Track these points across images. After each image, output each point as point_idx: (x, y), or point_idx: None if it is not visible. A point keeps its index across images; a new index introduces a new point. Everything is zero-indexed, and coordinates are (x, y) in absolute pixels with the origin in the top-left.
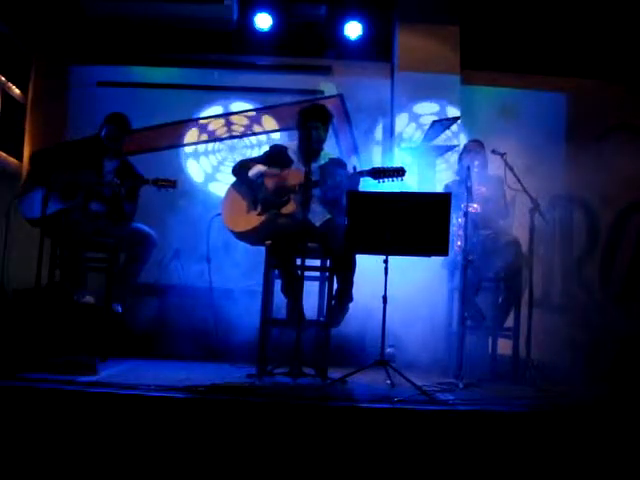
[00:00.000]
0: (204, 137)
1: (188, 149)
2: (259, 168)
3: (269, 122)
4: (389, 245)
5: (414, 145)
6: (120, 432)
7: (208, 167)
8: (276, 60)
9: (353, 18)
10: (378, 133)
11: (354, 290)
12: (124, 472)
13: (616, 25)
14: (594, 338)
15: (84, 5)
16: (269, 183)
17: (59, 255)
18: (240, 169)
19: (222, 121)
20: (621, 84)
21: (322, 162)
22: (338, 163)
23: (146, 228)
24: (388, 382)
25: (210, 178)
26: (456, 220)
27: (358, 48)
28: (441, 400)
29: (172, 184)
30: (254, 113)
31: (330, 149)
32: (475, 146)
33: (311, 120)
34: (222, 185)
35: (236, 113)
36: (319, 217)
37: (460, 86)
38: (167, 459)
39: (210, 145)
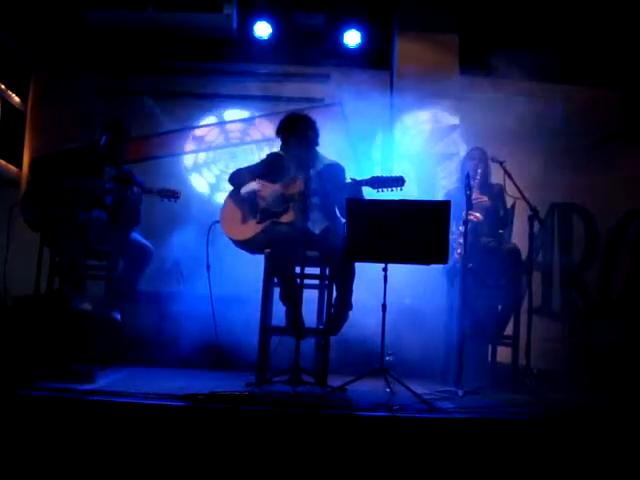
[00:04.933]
0: (204, 145)
1: (188, 163)
2: (252, 186)
3: (269, 130)
4: (388, 253)
5: (414, 152)
6: (118, 441)
7: (212, 178)
8: (275, 68)
9: (352, 26)
10: (377, 141)
11: (353, 298)
12: None
13: (614, 32)
14: (594, 346)
15: (84, 14)
16: (266, 193)
17: (58, 262)
18: (236, 181)
19: (221, 129)
20: (620, 91)
21: (319, 168)
22: (336, 169)
23: (143, 240)
24: (387, 390)
25: (215, 188)
26: (456, 228)
27: (357, 56)
28: (440, 408)
29: (176, 195)
30: (254, 121)
31: (328, 155)
32: (478, 154)
33: (280, 133)
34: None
35: (235, 121)
36: (318, 225)
37: (459, 93)
38: (166, 468)
39: (210, 156)
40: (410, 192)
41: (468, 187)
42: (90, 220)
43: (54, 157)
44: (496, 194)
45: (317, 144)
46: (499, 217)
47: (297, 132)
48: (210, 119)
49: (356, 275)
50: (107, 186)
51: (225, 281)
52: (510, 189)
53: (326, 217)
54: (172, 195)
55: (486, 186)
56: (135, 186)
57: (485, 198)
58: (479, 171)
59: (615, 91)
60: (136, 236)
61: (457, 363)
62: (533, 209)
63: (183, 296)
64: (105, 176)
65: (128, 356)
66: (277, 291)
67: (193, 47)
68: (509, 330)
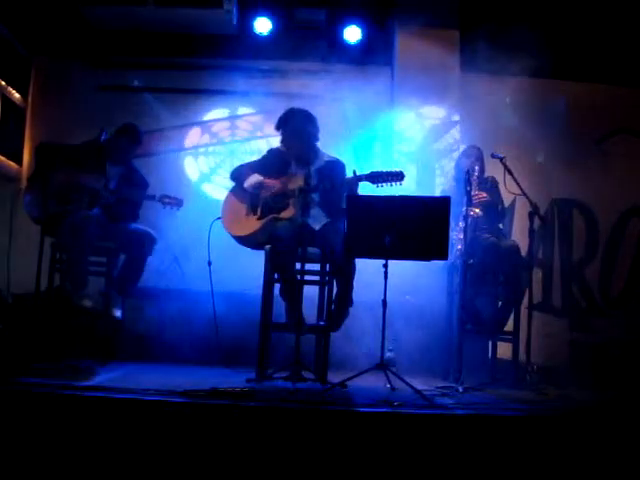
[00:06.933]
0: (204, 141)
1: (188, 156)
2: (256, 179)
3: (268, 126)
4: (388, 249)
5: (413, 149)
6: (119, 437)
7: (205, 167)
8: (276, 64)
9: (353, 22)
10: (378, 137)
11: (354, 294)
12: (123, 477)
13: (615, 28)
14: (594, 342)
15: (84, 10)
16: (268, 189)
17: (59, 259)
18: (237, 176)
19: (224, 125)
20: (621, 87)
21: (319, 164)
22: (336, 165)
23: (143, 227)
24: (388, 386)
25: (205, 178)
26: (455, 225)
27: (358, 52)
28: (441, 404)
29: (178, 203)
30: (253, 117)
31: (328, 151)
32: (474, 152)
33: (280, 128)
34: (215, 187)
35: (234, 118)
36: (318, 221)
37: (460, 89)
38: (166, 464)
39: (210, 151)
40: (409, 188)
41: (468, 183)
42: (90, 217)
43: (60, 149)
44: (491, 188)
45: (317, 139)
46: (497, 211)
47: (297, 127)
48: (210, 115)
49: (356, 271)
50: (110, 186)
51: (226, 277)
52: (510, 185)
53: (326, 213)
54: (175, 203)
55: (483, 182)
56: (138, 190)
57: (484, 194)
58: (476, 168)
59: (617, 87)
60: (136, 225)
61: (457, 359)
62: (533, 205)
63: (184, 292)
64: (109, 174)
65: (128, 352)
66: (278, 287)
67: (193, 43)
68: (509, 326)
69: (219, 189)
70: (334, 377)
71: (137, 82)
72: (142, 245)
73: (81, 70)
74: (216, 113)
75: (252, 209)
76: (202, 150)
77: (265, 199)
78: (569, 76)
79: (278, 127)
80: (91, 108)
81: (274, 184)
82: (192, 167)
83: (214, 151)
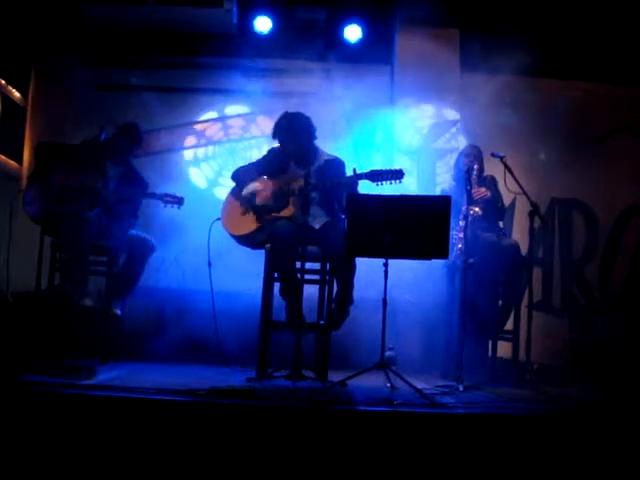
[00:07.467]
0: (204, 140)
1: (188, 156)
2: (253, 187)
3: (268, 126)
4: (389, 248)
5: (414, 148)
6: (119, 436)
7: (210, 173)
8: (276, 63)
9: (353, 21)
10: (378, 136)
11: (354, 293)
12: (123, 476)
13: (616, 28)
14: (594, 341)
15: (84, 9)
16: (267, 190)
17: (59, 258)
18: (238, 178)
19: (221, 124)
20: (621, 87)
21: (318, 164)
22: (335, 164)
23: (143, 234)
24: (388, 385)
25: (214, 184)
26: (455, 224)
27: (358, 51)
28: (441, 403)
29: (178, 201)
30: (253, 117)
31: (328, 150)
32: (473, 151)
33: (277, 135)
34: (225, 189)
35: (235, 117)
36: (318, 220)
37: (459, 89)
38: (166, 463)
39: (210, 150)
40: (409, 188)
41: (469, 182)
42: (91, 219)
43: (59, 148)
44: (490, 185)
45: (315, 138)
46: (497, 208)
47: (293, 132)
48: (210, 114)
49: (357, 270)
50: (110, 186)
51: (226, 277)
52: (510, 184)
53: (326, 212)
54: (176, 202)
55: (482, 180)
56: (137, 189)
57: (484, 189)
58: (475, 167)
59: (617, 87)
60: (136, 232)
61: (457, 358)
62: (534, 205)
63: (184, 292)
64: (108, 174)
65: (129, 351)
66: (278, 286)
67: (193, 42)
68: (509, 325)
69: (205, 179)
70: (334, 376)
71: (137, 81)
72: (139, 253)
73: (81, 69)
74: (215, 112)
75: (252, 209)
76: (202, 156)
77: (264, 201)
78: (569, 76)
79: (274, 135)
80: (91, 107)
81: (269, 190)
82: (192, 168)
83: (214, 154)
